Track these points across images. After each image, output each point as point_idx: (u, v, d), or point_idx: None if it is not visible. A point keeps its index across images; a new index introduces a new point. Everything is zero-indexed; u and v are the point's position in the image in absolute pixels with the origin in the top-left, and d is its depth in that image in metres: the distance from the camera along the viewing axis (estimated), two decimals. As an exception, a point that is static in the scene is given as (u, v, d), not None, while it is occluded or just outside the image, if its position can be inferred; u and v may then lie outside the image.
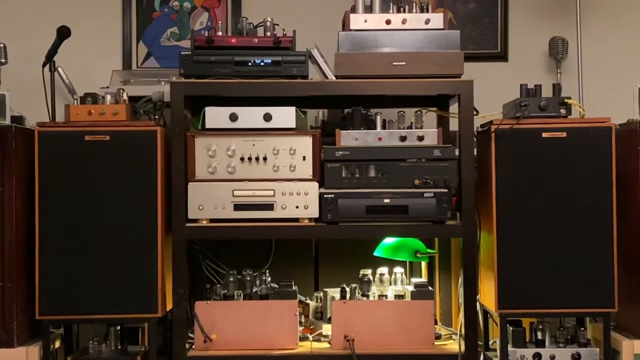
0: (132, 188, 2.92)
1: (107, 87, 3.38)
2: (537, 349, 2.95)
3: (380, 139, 3.00)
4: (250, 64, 2.98)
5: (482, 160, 3.07)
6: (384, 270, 3.24)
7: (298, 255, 3.51)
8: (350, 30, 3.00)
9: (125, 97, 3.02)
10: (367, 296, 3.12)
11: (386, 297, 3.15)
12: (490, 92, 3.17)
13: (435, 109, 3.34)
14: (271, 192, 2.97)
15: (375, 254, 3.34)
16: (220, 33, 3.04)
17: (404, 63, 2.96)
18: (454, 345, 3.03)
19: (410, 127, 3.07)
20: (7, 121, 2.97)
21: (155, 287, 2.92)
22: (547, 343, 2.98)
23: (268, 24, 3.05)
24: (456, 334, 3.13)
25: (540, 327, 2.99)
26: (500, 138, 2.92)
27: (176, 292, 2.93)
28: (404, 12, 3.03)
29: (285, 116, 2.99)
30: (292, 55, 3.00)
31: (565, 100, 2.97)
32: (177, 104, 2.93)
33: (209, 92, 2.98)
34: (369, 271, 3.18)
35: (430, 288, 3.18)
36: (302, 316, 3.24)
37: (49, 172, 2.91)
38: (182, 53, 2.99)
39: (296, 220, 2.97)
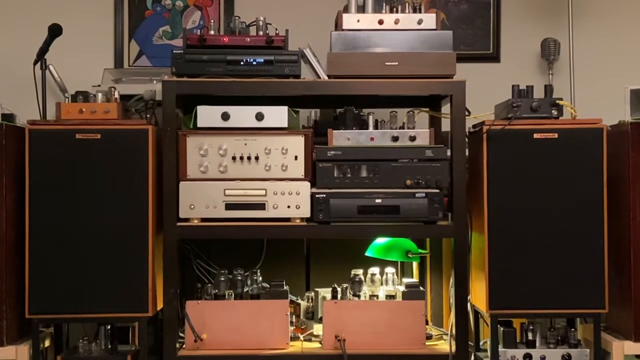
0: (123, 187, 2.91)
1: (99, 86, 3.37)
2: (527, 350, 2.95)
3: (372, 139, 3.00)
4: (242, 63, 2.98)
5: (474, 161, 3.07)
6: (375, 270, 3.24)
7: (289, 255, 3.50)
8: (342, 30, 3.00)
9: (116, 95, 3.02)
10: (359, 296, 3.12)
11: (377, 297, 3.15)
12: (482, 93, 3.18)
13: (427, 109, 3.35)
14: (263, 192, 2.96)
15: (366, 254, 3.34)
16: (212, 32, 3.04)
17: (397, 63, 2.97)
18: (445, 346, 3.03)
19: (402, 128, 3.07)
20: (-2, 119, 2.96)
21: (145, 286, 2.91)
22: (537, 344, 2.99)
23: (260, 23, 3.05)
24: (447, 334, 3.13)
25: (531, 327, 3.00)
26: (492, 139, 2.92)
27: (167, 292, 2.93)
28: (397, 12, 3.03)
29: (277, 116, 2.99)
30: (285, 54, 2.99)
31: (557, 102, 2.98)
32: (168, 103, 2.93)
33: (201, 91, 2.98)
34: (360, 271, 3.18)
35: (421, 288, 3.18)
36: (293, 316, 3.23)
37: (39, 171, 2.90)
38: (174, 52, 2.98)
39: (288, 220, 2.97)
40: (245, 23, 3.08)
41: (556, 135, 2.92)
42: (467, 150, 3.06)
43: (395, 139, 3.00)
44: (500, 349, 2.95)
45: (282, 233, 2.99)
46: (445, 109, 3.18)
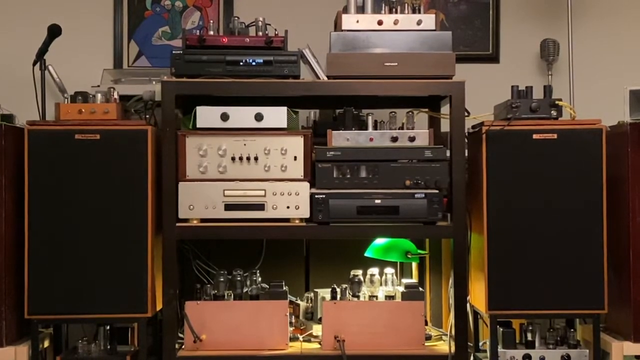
0: (122, 187, 2.91)
1: (98, 86, 3.37)
2: (527, 350, 2.95)
3: (371, 139, 3.00)
4: (241, 63, 2.98)
5: (473, 162, 3.07)
6: (374, 270, 3.23)
7: (289, 256, 3.50)
8: (342, 30, 3.00)
9: (116, 96, 3.01)
10: (358, 297, 3.12)
11: (377, 298, 3.15)
12: (482, 94, 3.18)
13: (426, 109, 3.35)
14: (262, 192, 2.96)
15: (366, 254, 3.33)
16: (211, 32, 3.03)
17: (396, 64, 2.96)
18: (444, 346, 3.03)
19: (401, 128, 3.07)
20: (-3, 119, 2.96)
21: (145, 287, 2.91)
22: (537, 344, 2.99)
23: (260, 23, 3.05)
24: (446, 334, 3.13)
25: (530, 328, 3.00)
26: (491, 139, 2.92)
27: (166, 292, 2.92)
28: (396, 12, 3.03)
29: (276, 116, 2.99)
30: (284, 55, 2.99)
31: (556, 102, 2.98)
32: (168, 103, 2.93)
33: (200, 91, 2.98)
34: (359, 272, 3.18)
35: (420, 289, 3.18)
36: (293, 316, 3.23)
37: (39, 171, 2.90)
38: (173, 52, 2.98)
39: (287, 220, 2.97)
40: (244, 23, 3.08)
41: (555, 136, 2.92)
42: (466, 151, 3.06)
43: (394, 139, 3.00)
44: (500, 349, 2.95)
45: (282, 233, 2.98)
46: (445, 109, 3.17)
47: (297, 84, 2.99)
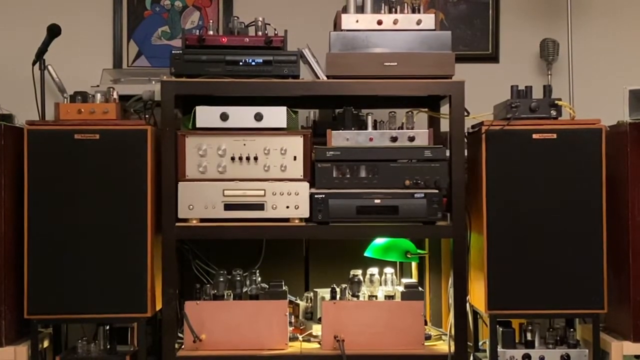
0: (121, 187, 2.91)
1: (98, 86, 3.38)
2: (526, 350, 2.95)
3: (371, 139, 3.00)
4: (241, 63, 2.98)
5: (473, 161, 3.07)
6: (374, 270, 3.24)
7: (288, 256, 3.50)
8: (341, 30, 3.00)
9: (115, 95, 3.01)
10: (357, 296, 3.12)
11: (376, 298, 3.15)
12: (481, 93, 3.18)
13: (426, 109, 3.35)
14: (262, 192, 2.96)
15: (365, 254, 3.33)
16: (211, 32, 3.03)
17: (395, 63, 2.96)
18: (444, 346, 3.03)
19: (401, 128, 3.07)
20: (-4, 119, 2.96)
21: (144, 286, 2.91)
22: (536, 344, 2.99)
23: (259, 23, 3.05)
24: (446, 334, 3.13)
25: (530, 328, 3.00)
26: (490, 139, 2.92)
27: (166, 292, 2.92)
28: (396, 12, 3.03)
29: (276, 116, 2.99)
30: (284, 55, 2.99)
31: (556, 102, 2.98)
32: (167, 103, 2.93)
33: (199, 91, 2.98)
34: (359, 271, 3.18)
35: (420, 289, 3.18)
36: (292, 316, 3.23)
37: (38, 171, 2.90)
38: (173, 52, 2.98)
39: (287, 220, 2.97)
40: (244, 23, 3.08)
41: (555, 136, 2.92)
42: (466, 151, 3.06)
43: (394, 139, 3.00)
44: (499, 349, 2.95)
45: (281, 233, 2.98)
46: (444, 109, 3.18)
47: (296, 83, 2.99)
